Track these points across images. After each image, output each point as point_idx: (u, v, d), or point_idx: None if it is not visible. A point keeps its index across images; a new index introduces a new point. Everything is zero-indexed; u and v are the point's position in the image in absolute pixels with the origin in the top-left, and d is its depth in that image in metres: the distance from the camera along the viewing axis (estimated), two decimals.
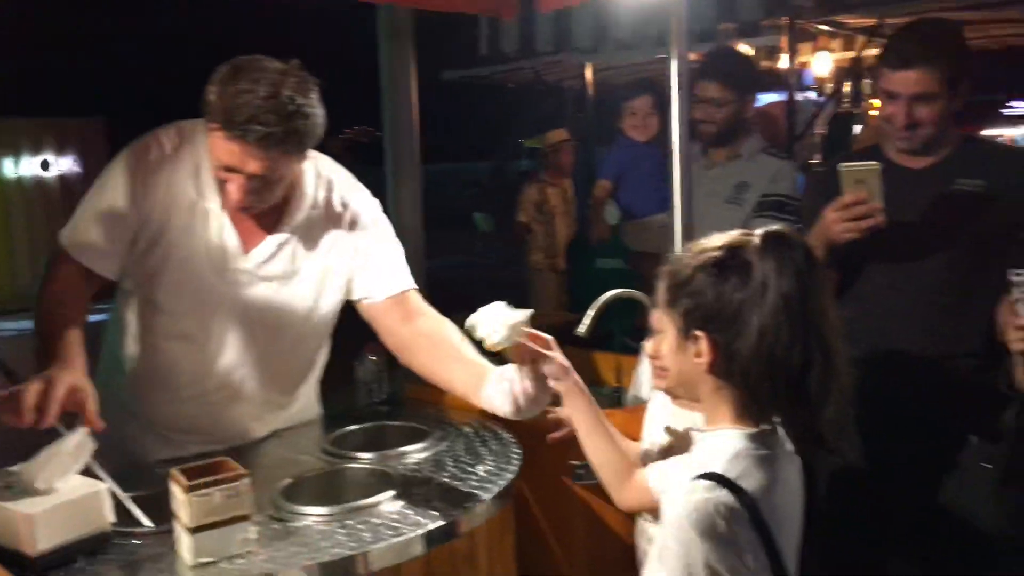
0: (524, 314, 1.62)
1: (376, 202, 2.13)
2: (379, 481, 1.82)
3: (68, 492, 1.47)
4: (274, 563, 1.45)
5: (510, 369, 1.74)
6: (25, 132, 6.54)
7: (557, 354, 1.67)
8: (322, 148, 1.98)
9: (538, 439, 2.03)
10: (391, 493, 1.71)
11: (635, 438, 1.87)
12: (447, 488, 1.76)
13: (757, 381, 1.23)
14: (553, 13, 4.81)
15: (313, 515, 1.63)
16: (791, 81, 4.73)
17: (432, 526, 1.59)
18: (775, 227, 1.30)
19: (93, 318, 1.91)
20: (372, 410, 2.43)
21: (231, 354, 1.99)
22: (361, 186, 2.12)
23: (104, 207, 1.87)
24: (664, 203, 3.03)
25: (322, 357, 2.21)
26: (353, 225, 2.05)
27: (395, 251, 2.12)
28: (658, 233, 3.14)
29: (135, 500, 1.62)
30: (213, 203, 1.90)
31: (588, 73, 6.43)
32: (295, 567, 1.44)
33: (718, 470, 1.23)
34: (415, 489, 1.75)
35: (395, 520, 1.61)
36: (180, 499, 1.44)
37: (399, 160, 3.17)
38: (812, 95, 6.10)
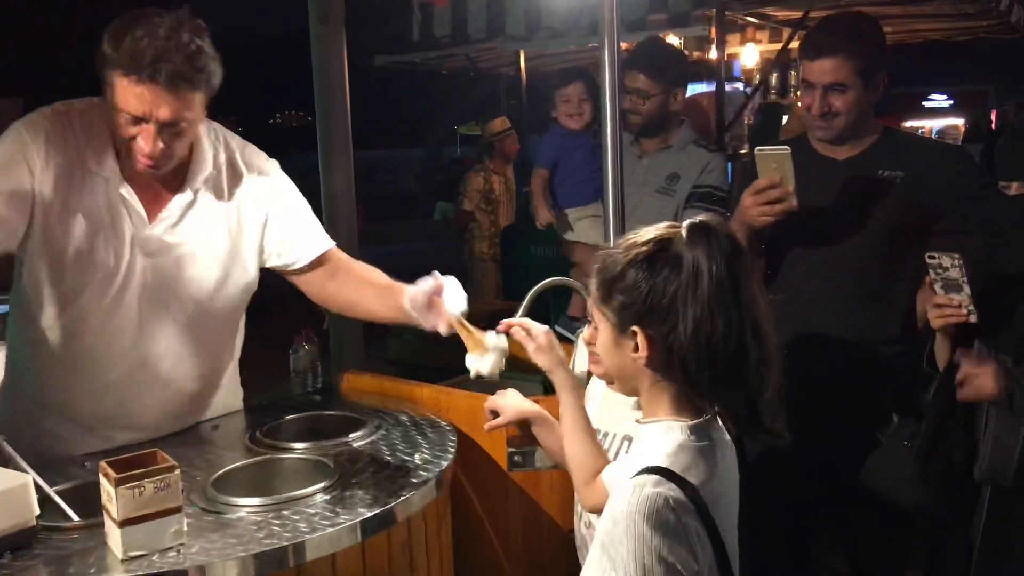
0: (501, 338, 1.79)
1: (276, 162, 2.11)
2: (315, 471, 1.81)
3: None
4: (207, 555, 1.43)
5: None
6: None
7: (555, 346, 1.74)
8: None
9: (475, 427, 2.05)
10: (327, 483, 1.70)
11: None
12: (384, 477, 1.76)
13: (696, 371, 1.24)
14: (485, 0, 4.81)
15: (247, 506, 1.62)
16: (720, 72, 4.81)
17: (368, 515, 1.59)
18: (700, 217, 1.32)
19: None
20: (307, 399, 2.41)
21: (148, 328, 1.93)
22: (257, 148, 2.10)
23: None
24: (596, 192, 3.07)
25: (240, 335, 2.17)
26: (260, 186, 2.03)
27: (307, 211, 2.12)
28: (590, 222, 3.17)
29: (60, 494, 1.58)
30: (112, 173, 1.85)
31: (521, 61, 6.43)
32: (228, 559, 1.43)
33: (662, 463, 1.24)
34: (351, 478, 1.75)
35: (330, 510, 1.61)
36: (109, 492, 1.41)
37: (331, 146, 3.13)
38: (740, 86, 6.21)
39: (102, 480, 1.44)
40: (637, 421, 1.38)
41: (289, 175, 2.09)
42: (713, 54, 5.05)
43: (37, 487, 1.52)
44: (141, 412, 1.98)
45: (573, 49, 5.73)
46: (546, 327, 1.78)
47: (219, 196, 1.97)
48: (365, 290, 2.09)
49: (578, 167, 3.21)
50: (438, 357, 4.32)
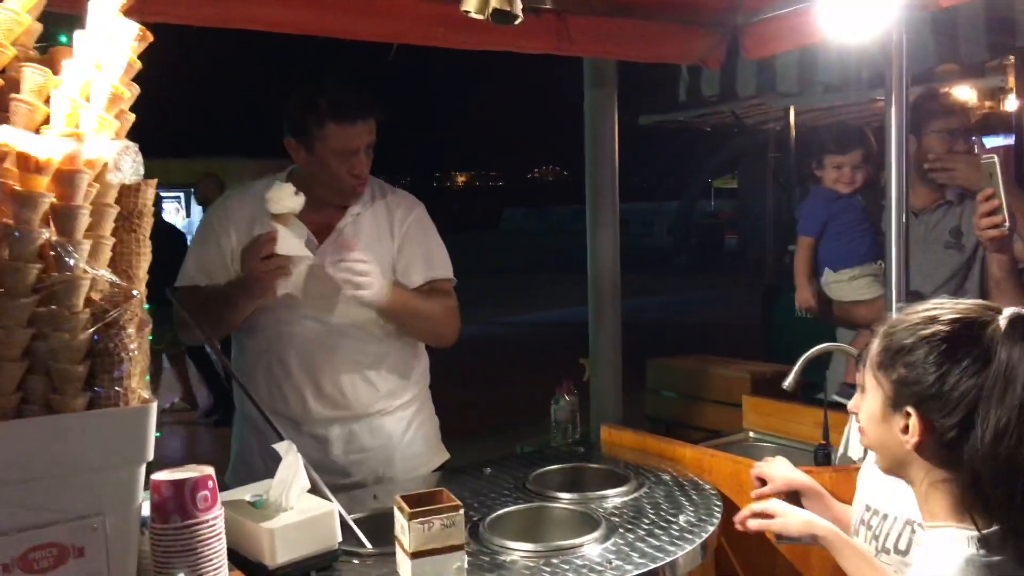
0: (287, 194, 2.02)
1: (422, 204, 2.40)
2: (581, 522, 1.86)
3: (305, 511, 1.60)
4: None
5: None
6: (256, 173, 7.28)
7: (792, 514, 1.67)
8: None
9: (739, 492, 2.01)
10: (595, 535, 1.74)
11: (845, 499, 1.80)
12: (649, 535, 1.77)
13: (990, 484, 1.12)
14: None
15: (519, 551, 1.69)
16: (1019, 123, 4.41)
17: (634, 573, 1.61)
18: None
19: None
20: (570, 450, 2.48)
21: (325, 319, 2.18)
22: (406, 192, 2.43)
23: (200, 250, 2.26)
24: (869, 251, 2.91)
25: (412, 358, 2.35)
26: (403, 217, 2.31)
27: (435, 244, 2.35)
28: (868, 282, 3.01)
29: (355, 523, 1.74)
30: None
31: (791, 115, 6.29)
32: None
33: None
34: (616, 533, 1.77)
35: (598, 563, 1.64)
36: (403, 524, 1.53)
37: (599, 203, 3.23)
38: None
39: (396, 513, 1.57)
40: (920, 525, 1.27)
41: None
42: (1010, 104, 4.65)
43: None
44: (337, 393, 2.21)
45: (847, 103, 5.52)
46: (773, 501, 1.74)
47: (373, 222, 2.28)
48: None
49: (850, 226, 3.05)
50: (695, 415, 4.28)
